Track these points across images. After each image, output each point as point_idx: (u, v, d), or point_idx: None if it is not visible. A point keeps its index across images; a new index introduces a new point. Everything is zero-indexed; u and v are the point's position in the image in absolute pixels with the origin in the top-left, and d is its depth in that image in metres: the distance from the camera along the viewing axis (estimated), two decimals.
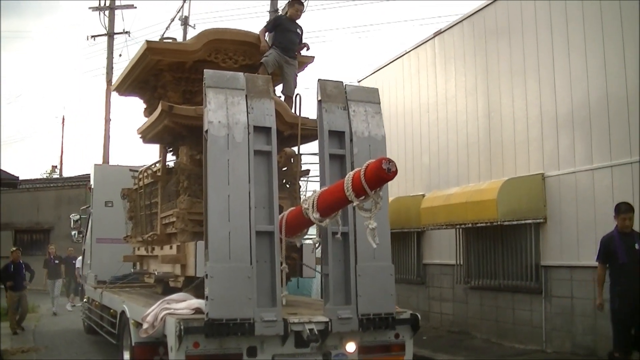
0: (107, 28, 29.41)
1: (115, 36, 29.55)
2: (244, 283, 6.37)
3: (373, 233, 5.69)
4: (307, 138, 8.72)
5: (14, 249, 16.51)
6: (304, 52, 9.60)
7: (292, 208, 7.12)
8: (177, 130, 8.42)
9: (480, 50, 12.63)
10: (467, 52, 13.19)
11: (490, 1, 12.43)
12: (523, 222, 10.84)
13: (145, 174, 9.87)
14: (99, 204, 13.23)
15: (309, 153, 8.61)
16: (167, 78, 9.31)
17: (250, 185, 6.56)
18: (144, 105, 10.87)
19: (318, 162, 7.25)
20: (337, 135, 7.20)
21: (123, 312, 8.82)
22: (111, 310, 9.88)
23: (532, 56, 11.21)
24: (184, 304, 6.90)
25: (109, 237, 12.92)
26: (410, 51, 15.45)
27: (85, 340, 13.59)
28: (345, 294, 6.98)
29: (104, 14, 29.49)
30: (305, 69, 9.86)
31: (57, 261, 20.02)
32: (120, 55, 48.92)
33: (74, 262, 20.46)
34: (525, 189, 10.79)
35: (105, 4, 29.48)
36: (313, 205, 6.28)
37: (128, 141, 71.75)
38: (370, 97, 7.56)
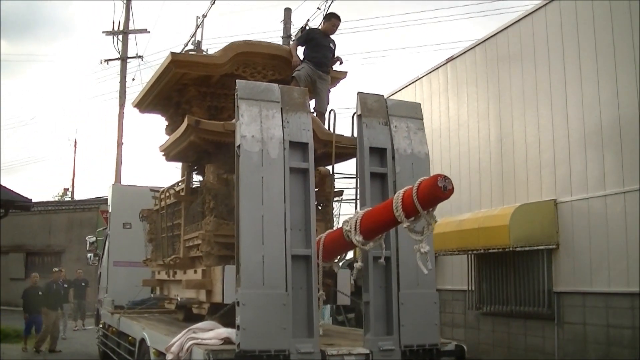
0: (120, 52, 29.41)
1: (128, 60, 29.54)
2: (278, 311, 5.84)
3: (425, 258, 5.20)
4: (341, 157, 8.25)
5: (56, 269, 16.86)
6: (336, 66, 9.13)
7: (330, 230, 6.61)
8: (204, 147, 7.95)
9: (492, 76, 12.69)
10: (479, 77, 13.26)
11: (502, 28, 12.49)
12: (535, 248, 10.76)
13: (167, 194, 9.38)
14: (116, 225, 12.78)
15: (341, 173, 8.11)
16: (192, 93, 8.88)
17: (286, 205, 6.05)
18: (166, 123, 10.44)
19: (354, 181, 6.78)
20: (378, 153, 6.71)
21: (143, 340, 8.30)
22: (130, 338, 9.35)
23: (544, 82, 11.20)
24: (212, 334, 6.37)
25: (126, 260, 12.49)
26: (422, 77, 15.49)
27: None
28: (387, 324, 6.44)
29: (118, 38, 29.52)
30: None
31: (65, 285, 19.44)
32: (133, 79, 49.99)
33: (83, 284, 20.12)
34: (538, 215, 10.72)
35: (118, 29, 29.51)
36: (356, 227, 5.77)
37: (140, 165, 71.47)
38: (413, 112, 7.08)
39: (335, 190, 8.32)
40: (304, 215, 6.26)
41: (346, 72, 9.40)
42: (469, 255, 12.57)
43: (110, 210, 13.30)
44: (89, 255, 15.53)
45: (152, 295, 10.76)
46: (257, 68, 8.67)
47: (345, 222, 6.00)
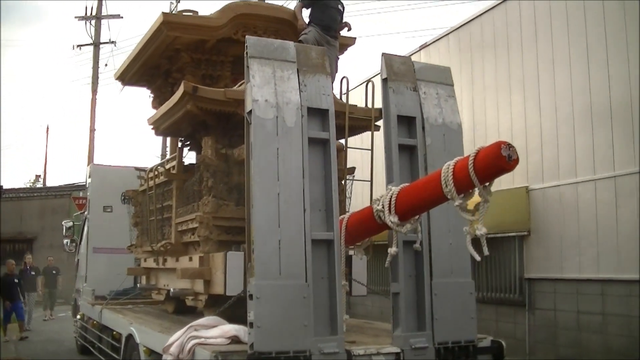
0: (93, 37, 29.09)
1: (101, 46, 29.29)
2: (298, 305, 4.99)
3: (484, 241, 4.33)
4: (355, 130, 7.40)
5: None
6: (344, 32, 8.23)
7: (354, 211, 5.73)
8: (201, 117, 7.03)
9: (465, 64, 12.46)
10: (452, 65, 12.72)
11: (476, 15, 12.38)
12: (507, 235, 10.72)
13: (156, 173, 8.43)
14: (95, 209, 11.78)
15: (354, 147, 7.22)
16: (185, 60, 7.96)
17: (305, 181, 5.18)
18: (152, 96, 9.50)
19: (364, 157, 5.90)
20: (406, 122, 5.86)
21: (130, 336, 7.40)
22: (114, 332, 8.44)
23: (517, 70, 11.13)
24: (217, 331, 5.50)
25: (107, 246, 11.52)
26: (374, 76, 14.68)
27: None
28: (419, 318, 5.63)
29: (90, 24, 29.18)
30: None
31: (32, 272, 18.42)
32: (106, 65, 49.10)
33: (54, 272, 19.31)
34: (510, 202, 10.56)
35: (91, 14, 28.92)
36: (390, 206, 4.91)
37: (114, 151, 69.73)
38: (443, 77, 6.24)
39: (349, 167, 7.44)
40: (324, 194, 5.40)
41: (355, 38, 8.52)
42: None
43: (89, 193, 12.30)
44: (65, 241, 14.44)
45: (138, 285, 9.82)
46: (257, 32, 7.73)
47: (376, 200, 5.14)
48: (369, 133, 7.49)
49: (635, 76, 8.78)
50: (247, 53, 5.35)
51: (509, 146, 4.06)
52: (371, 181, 7.21)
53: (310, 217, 5.16)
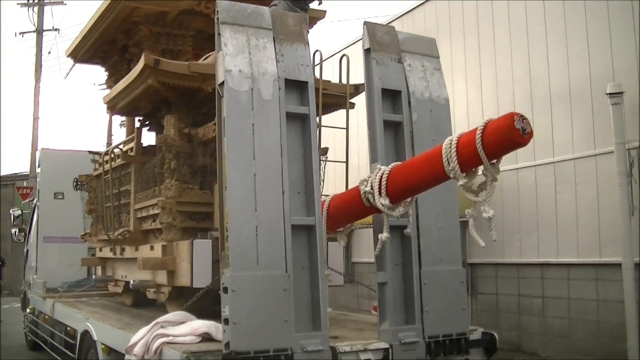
0: (36, 24, 28.04)
1: (44, 33, 28.22)
2: (278, 299, 4.47)
3: (490, 225, 3.88)
4: (329, 107, 6.90)
5: None
6: (314, 5, 7.68)
7: (336, 193, 5.23)
8: (162, 94, 6.43)
9: None
10: None
11: (420, 2, 12.59)
12: None
13: (112, 156, 7.77)
14: (46, 195, 11.03)
15: (327, 126, 6.72)
16: (143, 33, 7.35)
17: (283, 160, 4.66)
18: (106, 74, 8.84)
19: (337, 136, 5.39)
20: (390, 96, 5.37)
21: (87, 333, 6.79)
22: (68, 328, 7.80)
23: (459, 57, 11.26)
24: (186, 328, 4.94)
25: (58, 235, 10.80)
26: (341, 50, 14.45)
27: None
28: (407, 310, 5.17)
29: (33, 10, 28.15)
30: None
31: None
32: (49, 52, 49.23)
33: None
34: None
35: (34, 0, 27.58)
36: (380, 188, 4.43)
37: (58, 139, 67.50)
38: (428, 48, 5.76)
39: (322, 147, 6.93)
40: (303, 174, 4.88)
41: (325, 11, 7.98)
42: None
43: (38, 179, 11.53)
44: (13, 230, 13.55)
45: (93, 276, 9.15)
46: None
47: (363, 181, 4.65)
48: (341, 112, 7.04)
49: (574, 64, 9.12)
50: (218, 19, 4.76)
51: (522, 118, 3.61)
52: (347, 162, 6.74)
53: (289, 201, 4.65)
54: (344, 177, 6.83)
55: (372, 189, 4.49)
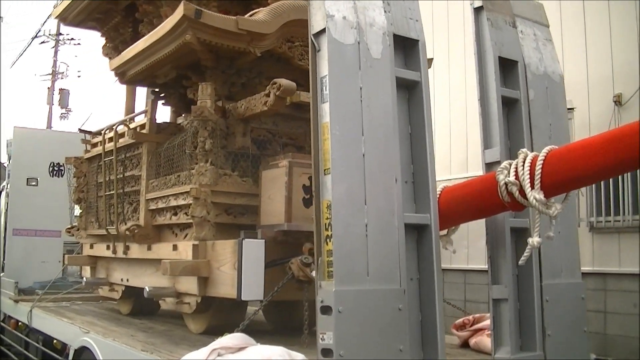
0: None
1: None
2: (392, 321, 3.37)
3: None
4: None
5: None
6: None
7: (450, 185, 4.12)
8: (199, 55, 5.22)
9: None
10: None
11: None
12: None
13: (115, 135, 6.43)
14: (17, 181, 9.62)
15: None
16: None
17: (395, 138, 3.56)
18: (104, 39, 7.54)
19: None
20: (504, 67, 4.31)
21: (85, 351, 5.50)
22: (54, 342, 6.50)
23: None
24: (252, 356, 3.76)
25: (30, 227, 9.44)
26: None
27: None
28: (523, 333, 4.12)
29: None
30: None
31: None
32: None
33: None
34: None
35: None
36: (532, 178, 3.36)
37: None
38: (538, 15, 4.72)
39: None
40: (410, 159, 3.78)
41: None
42: None
43: (9, 162, 10.09)
44: None
45: (84, 278, 7.76)
46: None
47: (502, 169, 3.56)
48: None
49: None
50: None
51: None
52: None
53: (400, 192, 3.55)
54: None
55: (518, 179, 3.41)
